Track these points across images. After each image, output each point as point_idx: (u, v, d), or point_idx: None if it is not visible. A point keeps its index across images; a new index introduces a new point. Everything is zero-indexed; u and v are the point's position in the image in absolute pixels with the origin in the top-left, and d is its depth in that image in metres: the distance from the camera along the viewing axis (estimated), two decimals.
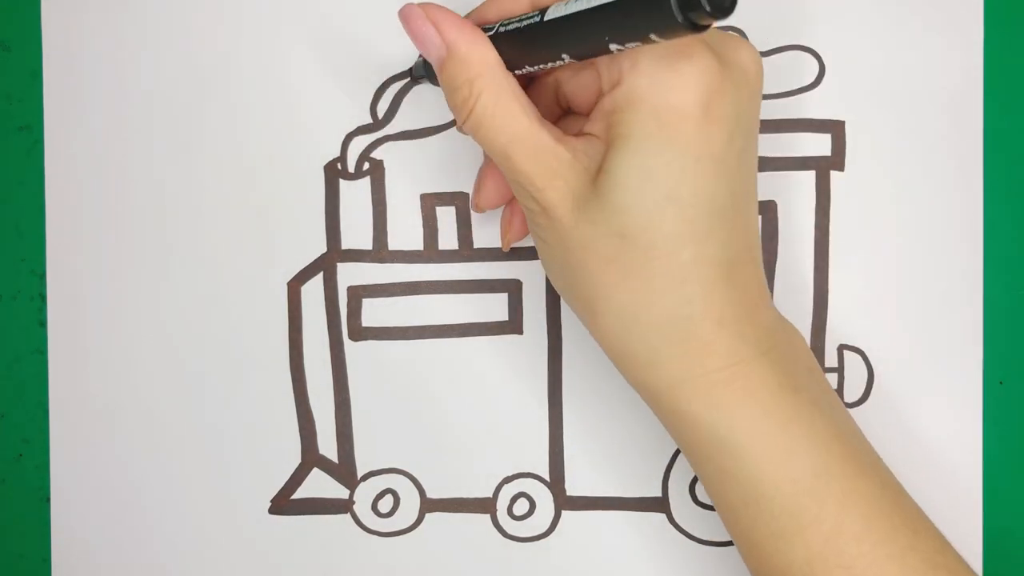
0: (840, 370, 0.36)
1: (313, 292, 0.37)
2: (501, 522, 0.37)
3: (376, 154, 0.37)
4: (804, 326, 0.36)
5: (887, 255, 0.36)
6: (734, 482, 0.29)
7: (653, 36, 0.24)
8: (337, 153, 0.37)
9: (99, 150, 0.37)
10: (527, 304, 0.37)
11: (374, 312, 0.37)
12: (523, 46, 0.29)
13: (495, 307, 0.37)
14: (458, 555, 0.37)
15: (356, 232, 0.37)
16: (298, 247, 0.37)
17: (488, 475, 0.37)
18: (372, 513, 0.37)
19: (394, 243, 0.37)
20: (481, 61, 0.28)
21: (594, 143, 0.29)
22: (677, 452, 0.37)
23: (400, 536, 0.37)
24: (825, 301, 0.36)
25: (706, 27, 0.24)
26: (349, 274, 0.37)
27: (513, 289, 0.37)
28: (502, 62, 0.29)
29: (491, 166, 0.33)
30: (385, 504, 0.37)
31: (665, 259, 0.27)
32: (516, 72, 0.29)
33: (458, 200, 0.37)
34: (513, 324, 0.37)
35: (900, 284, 0.36)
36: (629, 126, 0.27)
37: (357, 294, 0.37)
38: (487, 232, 0.37)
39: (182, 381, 0.37)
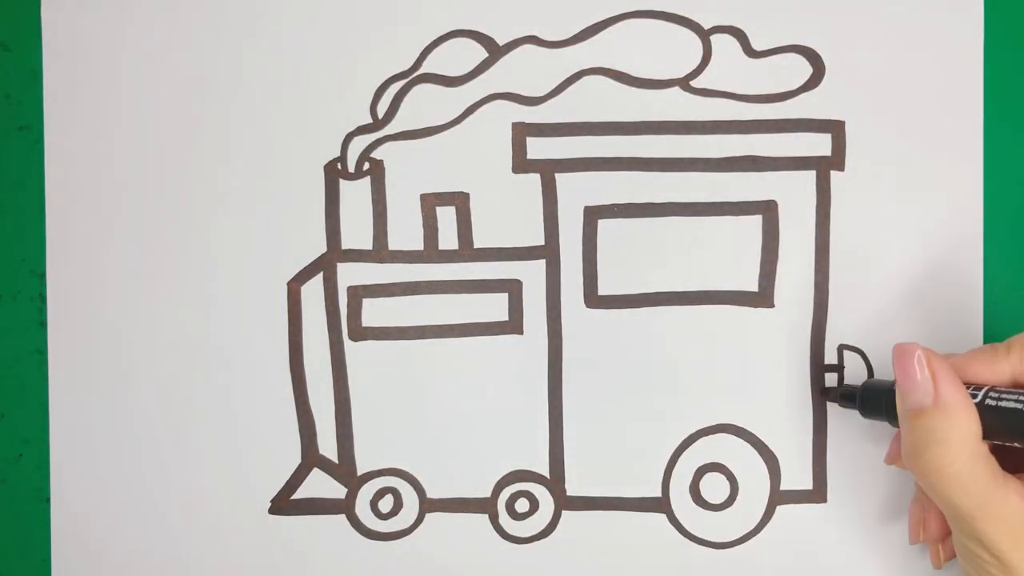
0: (840, 370, 0.36)
1: (313, 292, 0.37)
2: (501, 522, 0.37)
3: (376, 154, 0.37)
4: (804, 326, 0.36)
5: (887, 255, 0.36)
6: None
7: None
8: (337, 153, 0.37)
9: (99, 150, 0.37)
10: (527, 304, 0.37)
11: (374, 312, 0.37)
12: (1011, 424, 0.29)
13: (495, 307, 0.37)
14: (458, 555, 0.37)
15: (356, 232, 0.37)
16: (298, 247, 0.37)
17: (488, 475, 0.37)
18: (372, 513, 0.37)
19: (394, 243, 0.37)
20: (966, 427, 0.29)
21: None
22: (677, 452, 0.37)
23: (400, 536, 0.37)
24: (825, 301, 0.36)
25: None
26: (349, 274, 0.37)
27: (513, 289, 0.37)
28: (980, 430, 0.30)
29: (929, 502, 0.33)
30: (385, 504, 0.37)
31: None
32: (988, 440, 0.30)
33: (458, 200, 0.37)
34: (513, 324, 0.37)
35: (900, 284, 0.36)
36: None
37: (357, 294, 0.37)
38: (487, 232, 0.37)
39: (182, 381, 0.37)
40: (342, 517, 0.37)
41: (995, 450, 0.31)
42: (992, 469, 0.29)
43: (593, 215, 0.37)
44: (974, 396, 0.30)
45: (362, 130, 0.37)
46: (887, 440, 0.36)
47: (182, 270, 0.37)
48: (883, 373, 0.36)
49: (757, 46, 0.36)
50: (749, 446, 0.37)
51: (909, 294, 0.36)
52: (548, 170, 0.37)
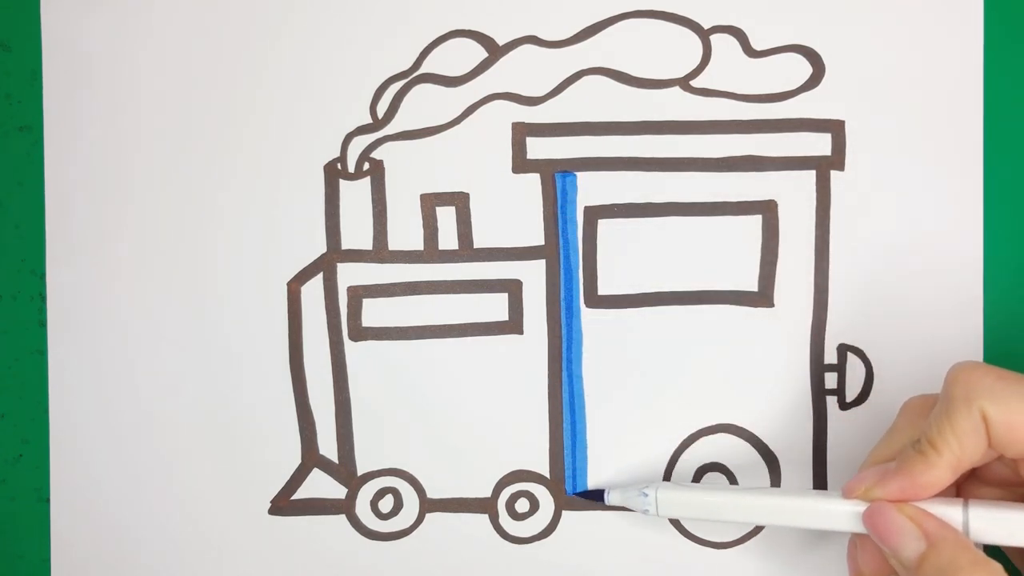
0: (840, 370, 0.36)
1: (313, 292, 0.37)
2: (501, 522, 0.37)
3: (376, 154, 0.37)
4: (804, 326, 0.36)
5: (887, 255, 0.36)
6: None
7: None
8: (337, 153, 0.37)
9: (99, 150, 0.37)
10: (527, 304, 0.37)
11: (374, 312, 0.37)
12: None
13: (495, 307, 0.37)
14: (458, 555, 0.37)
15: (356, 232, 0.37)
16: (298, 247, 0.37)
17: (488, 475, 0.37)
18: (372, 513, 0.37)
19: (394, 243, 0.37)
20: (969, 548, 0.29)
21: None
22: (677, 452, 0.37)
23: (400, 536, 0.37)
24: (825, 301, 0.36)
25: None
26: (349, 274, 0.37)
27: (513, 289, 0.37)
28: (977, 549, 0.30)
29: (863, 543, 0.33)
30: (385, 504, 0.37)
31: None
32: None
33: (458, 200, 0.37)
34: (513, 324, 0.37)
35: (900, 284, 0.36)
36: None
37: (357, 294, 0.37)
38: (487, 232, 0.37)
39: (182, 381, 0.37)
40: (342, 517, 0.37)
41: None
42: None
43: (593, 215, 0.37)
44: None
45: (362, 130, 0.37)
46: None
47: (182, 270, 0.37)
48: (883, 373, 0.36)
49: (757, 46, 0.36)
50: (749, 446, 0.37)
51: (909, 294, 0.36)
52: (548, 170, 0.37)
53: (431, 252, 0.37)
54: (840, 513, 0.32)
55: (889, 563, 0.32)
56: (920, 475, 0.30)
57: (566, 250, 0.37)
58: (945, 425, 0.30)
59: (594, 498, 0.36)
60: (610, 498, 0.36)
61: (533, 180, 0.37)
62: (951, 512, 0.30)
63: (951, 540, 0.30)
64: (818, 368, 0.36)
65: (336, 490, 0.37)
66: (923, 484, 0.30)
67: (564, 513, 0.37)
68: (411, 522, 0.37)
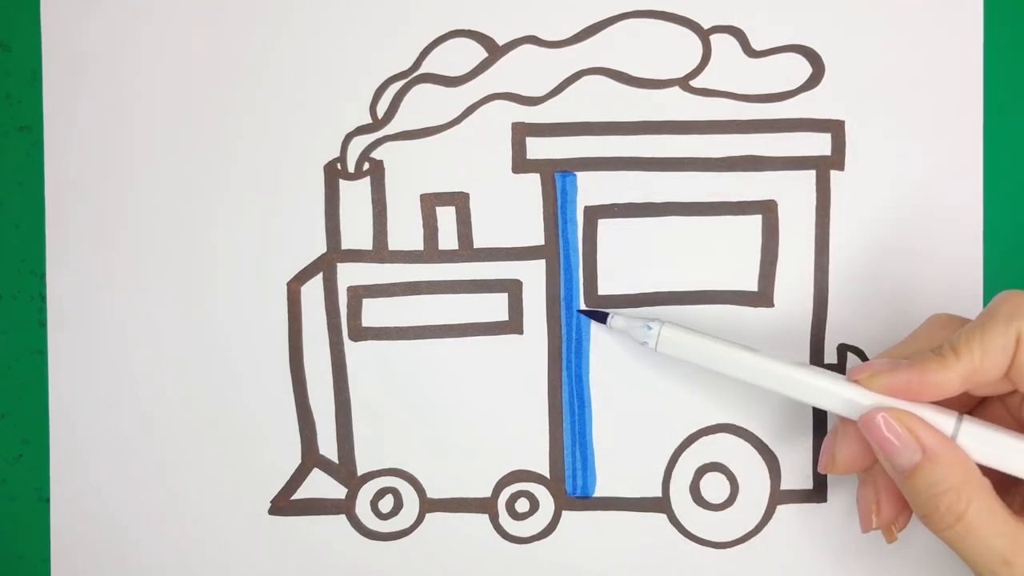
0: (840, 370, 0.36)
1: (313, 292, 0.37)
2: (501, 522, 0.37)
3: (376, 154, 0.37)
4: (804, 326, 0.36)
5: (887, 255, 0.36)
6: None
7: None
8: (337, 153, 0.37)
9: (99, 150, 0.37)
10: (527, 304, 0.37)
11: (374, 312, 0.37)
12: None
13: (495, 307, 0.37)
14: (458, 555, 0.37)
15: (356, 232, 0.37)
16: (298, 247, 0.37)
17: (488, 475, 0.37)
18: (372, 513, 0.37)
19: (394, 243, 0.37)
20: (965, 466, 0.29)
21: None
22: (677, 452, 0.37)
23: (400, 536, 0.37)
24: (825, 301, 0.36)
25: None
26: (349, 274, 0.37)
27: (513, 289, 0.37)
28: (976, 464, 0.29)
29: (845, 431, 0.33)
30: (385, 504, 0.37)
31: None
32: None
33: (458, 200, 0.37)
34: (513, 324, 0.37)
35: (900, 284, 0.36)
36: None
37: (357, 294, 0.37)
38: (487, 232, 0.37)
39: (182, 381, 0.37)
40: (342, 517, 0.37)
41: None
42: (1005, 504, 0.29)
43: (593, 215, 0.37)
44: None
45: (362, 130, 0.37)
46: None
47: (182, 270, 0.37)
48: None
49: (757, 46, 0.36)
50: (749, 446, 0.37)
51: (909, 294, 0.36)
52: (548, 170, 0.37)
53: (431, 252, 0.37)
54: (837, 394, 0.31)
55: (865, 457, 0.32)
56: (931, 373, 0.30)
57: (566, 250, 0.37)
58: (976, 334, 0.29)
59: (597, 319, 0.35)
60: (613, 321, 0.35)
61: (533, 180, 0.37)
62: (943, 420, 0.30)
63: (946, 456, 0.29)
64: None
65: (336, 490, 0.37)
66: (931, 383, 0.30)
67: (564, 513, 0.37)
68: (411, 522, 0.37)
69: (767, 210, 0.36)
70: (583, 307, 0.36)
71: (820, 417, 0.37)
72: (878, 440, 0.30)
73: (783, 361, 0.32)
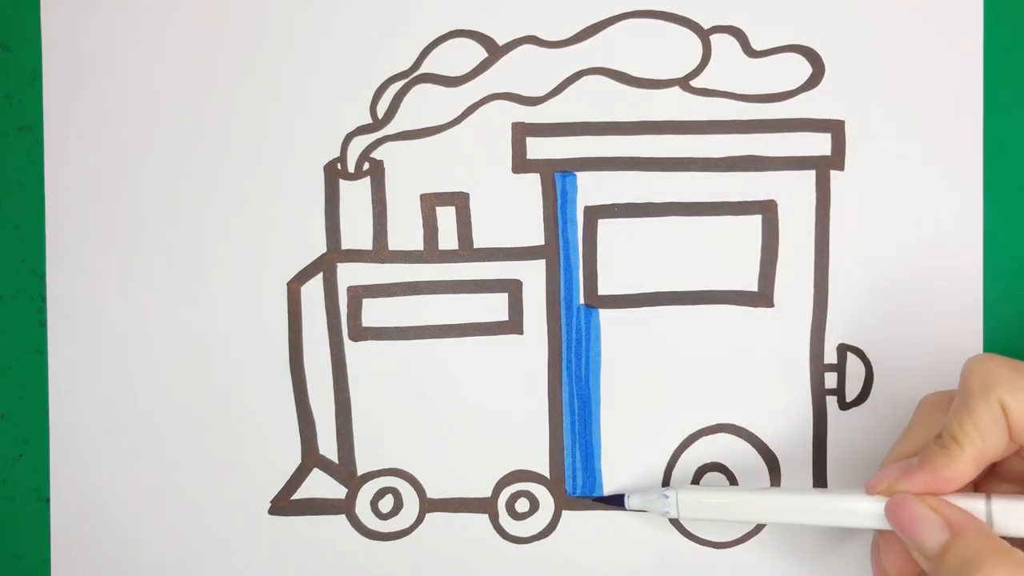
0: (840, 370, 0.36)
1: (313, 292, 0.37)
2: (501, 522, 0.37)
3: (376, 154, 0.37)
4: (804, 326, 0.36)
5: (887, 255, 0.36)
6: None
7: None
8: (337, 153, 0.37)
9: (99, 150, 0.37)
10: (527, 304, 0.37)
11: (374, 312, 0.37)
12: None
13: (495, 307, 0.37)
14: (458, 555, 0.37)
15: (356, 232, 0.37)
16: (298, 247, 0.37)
17: (488, 475, 0.37)
18: (372, 513, 0.37)
19: (394, 243, 0.37)
20: (992, 538, 0.29)
21: None
22: (677, 452, 0.37)
23: (400, 536, 0.37)
24: (825, 301, 0.36)
25: None
26: (349, 274, 0.37)
27: (513, 289, 0.37)
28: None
29: (887, 544, 0.32)
30: (385, 504, 0.37)
31: None
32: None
33: (458, 200, 0.37)
34: (513, 324, 0.37)
35: (900, 284, 0.36)
36: None
37: (357, 294, 0.37)
38: (487, 232, 0.37)
39: (182, 381, 0.37)
40: (342, 517, 0.37)
41: None
42: None
43: (593, 215, 0.37)
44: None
45: (362, 130, 0.37)
46: (888, 440, 0.35)
47: (182, 270, 0.37)
48: (883, 373, 0.36)
49: (757, 46, 0.36)
50: (749, 446, 0.37)
51: (909, 294, 0.36)
52: (548, 170, 0.37)
53: (431, 252, 0.37)
54: (864, 511, 0.31)
55: (915, 563, 0.31)
56: (943, 469, 0.30)
57: (566, 250, 0.37)
58: (965, 418, 0.30)
59: (613, 503, 0.36)
60: (630, 502, 0.35)
61: (533, 180, 0.37)
62: (974, 505, 0.30)
63: (975, 529, 0.29)
64: (818, 368, 0.36)
65: (336, 490, 0.37)
66: (947, 478, 0.30)
67: (564, 513, 0.37)
68: (411, 522, 0.37)
69: (767, 210, 0.36)
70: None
71: (820, 417, 0.37)
72: (904, 525, 0.30)
73: (802, 492, 0.33)
